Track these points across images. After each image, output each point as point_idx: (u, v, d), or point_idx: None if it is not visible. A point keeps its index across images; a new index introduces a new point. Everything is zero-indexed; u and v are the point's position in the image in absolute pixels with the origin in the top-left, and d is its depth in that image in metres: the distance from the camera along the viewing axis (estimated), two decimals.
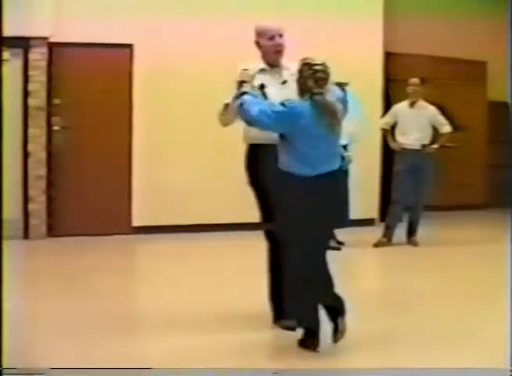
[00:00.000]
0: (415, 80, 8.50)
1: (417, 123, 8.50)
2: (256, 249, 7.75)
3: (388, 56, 9.36)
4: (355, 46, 9.40)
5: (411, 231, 8.78)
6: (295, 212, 4.34)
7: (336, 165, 4.45)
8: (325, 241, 4.71)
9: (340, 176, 4.53)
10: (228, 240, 8.70)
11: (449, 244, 8.95)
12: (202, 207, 9.07)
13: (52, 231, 8.66)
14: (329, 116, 4.31)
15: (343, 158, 4.78)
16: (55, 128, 8.72)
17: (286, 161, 4.39)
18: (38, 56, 8.42)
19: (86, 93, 8.75)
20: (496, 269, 7.57)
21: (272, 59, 4.85)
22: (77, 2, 8.62)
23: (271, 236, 4.91)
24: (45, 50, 8.48)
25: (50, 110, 8.64)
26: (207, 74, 8.89)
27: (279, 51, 4.84)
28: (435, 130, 8.71)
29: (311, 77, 4.31)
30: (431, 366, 4.30)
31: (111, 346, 4.61)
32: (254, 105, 4.37)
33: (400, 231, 8.73)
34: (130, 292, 6.55)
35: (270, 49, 4.82)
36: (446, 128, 8.65)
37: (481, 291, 6.57)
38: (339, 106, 4.40)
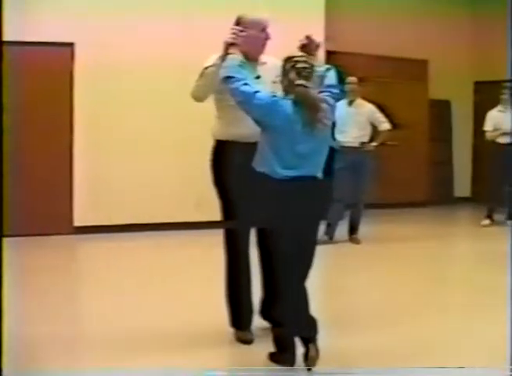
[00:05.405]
0: (353, 78, 8.61)
1: (356, 121, 8.60)
2: (201, 248, 7.83)
3: (329, 55, 9.41)
4: (296, 44, 9.42)
5: (352, 229, 8.87)
6: (267, 216, 4.07)
7: (315, 172, 4.07)
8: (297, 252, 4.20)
9: (317, 186, 4.10)
10: (172, 238, 8.69)
11: (391, 241, 9.06)
12: (145, 206, 9.05)
13: None
14: (311, 111, 3.92)
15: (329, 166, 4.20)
16: None
17: (261, 160, 4.03)
18: None
19: (27, 92, 8.65)
20: (440, 265, 7.72)
21: (258, 52, 4.63)
22: (17, 0, 8.54)
23: (232, 236, 4.67)
24: None
25: None
26: (149, 73, 8.93)
27: (265, 44, 4.66)
28: (375, 128, 8.83)
29: (293, 69, 4.00)
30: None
31: (47, 348, 4.60)
32: (241, 82, 4.04)
33: (341, 229, 8.80)
34: (71, 294, 6.50)
35: (260, 42, 4.61)
36: (385, 125, 8.77)
37: (424, 286, 6.66)
38: (326, 104, 4.03)
